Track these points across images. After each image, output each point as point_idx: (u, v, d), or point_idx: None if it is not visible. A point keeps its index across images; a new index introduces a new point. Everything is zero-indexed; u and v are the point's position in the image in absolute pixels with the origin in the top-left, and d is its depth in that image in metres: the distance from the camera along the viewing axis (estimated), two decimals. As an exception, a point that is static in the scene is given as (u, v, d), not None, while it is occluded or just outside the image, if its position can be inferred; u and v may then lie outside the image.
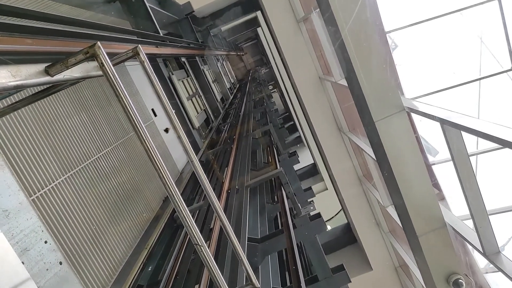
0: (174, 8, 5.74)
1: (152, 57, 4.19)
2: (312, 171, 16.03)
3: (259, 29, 20.01)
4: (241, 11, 10.89)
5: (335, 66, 7.92)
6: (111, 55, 1.14)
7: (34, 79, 1.05)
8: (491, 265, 4.65)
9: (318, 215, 3.76)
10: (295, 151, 6.96)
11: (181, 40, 5.06)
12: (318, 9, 7.20)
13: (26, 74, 1.03)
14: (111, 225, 3.82)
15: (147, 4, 3.28)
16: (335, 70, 7.94)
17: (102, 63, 1.10)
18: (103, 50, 1.09)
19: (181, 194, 1.27)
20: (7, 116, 2.90)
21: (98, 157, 4.07)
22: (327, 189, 14.90)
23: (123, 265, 3.74)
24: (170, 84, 8.32)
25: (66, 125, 3.66)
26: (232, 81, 23.51)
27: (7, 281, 0.84)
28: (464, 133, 3.55)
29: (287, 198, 4.52)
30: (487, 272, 5.88)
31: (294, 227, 3.68)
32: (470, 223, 7.08)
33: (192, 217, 1.28)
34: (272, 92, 21.56)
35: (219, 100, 13.14)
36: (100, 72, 1.14)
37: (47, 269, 2.57)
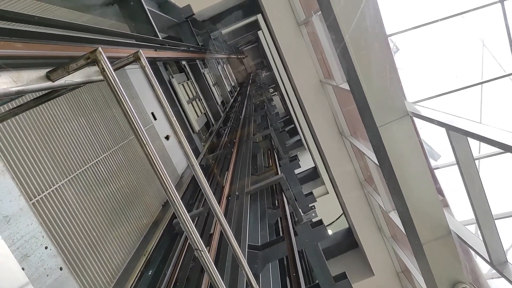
0: (174, 11, 5.70)
1: (151, 61, 4.14)
2: (312, 175, 15.97)
3: (259, 32, 20.01)
4: (241, 14, 10.85)
5: (337, 70, 7.87)
6: (111, 59, 1.14)
7: (35, 84, 1.06)
8: (494, 271, 4.57)
9: (320, 222, 3.69)
10: (296, 155, 6.89)
11: (181, 44, 5.01)
12: (319, 12, 7.16)
13: (28, 80, 1.04)
14: (110, 230, 3.80)
15: (146, 7, 3.24)
16: (337, 74, 7.89)
17: (103, 68, 1.10)
18: (104, 55, 1.09)
19: (181, 199, 1.27)
20: (6, 120, 2.89)
21: (97, 161, 4.05)
22: (328, 193, 14.83)
23: (122, 270, 3.70)
24: (170, 88, 8.27)
25: (64, 129, 3.65)
26: (233, 84, 23.50)
27: (8, 287, 0.85)
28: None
29: (288, 203, 4.45)
30: (491, 278, 5.79)
31: (295, 234, 3.61)
32: (472, 228, 6.99)
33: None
34: (273, 95, 21.54)
35: (219, 103, 13.09)
36: (101, 77, 1.14)
37: (48, 275, 2.58)
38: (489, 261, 3.76)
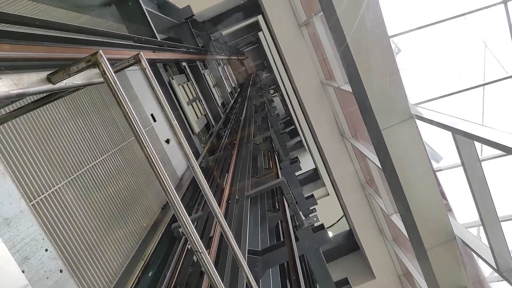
0: (173, 12, 5.64)
1: (150, 62, 4.09)
2: (313, 176, 15.90)
3: (260, 33, 19.98)
4: (242, 15, 10.80)
5: (338, 71, 7.81)
6: (111, 60, 1.17)
7: (36, 87, 1.07)
8: (496, 274, 4.50)
9: (322, 227, 3.63)
10: (297, 157, 6.83)
11: (181, 45, 4.96)
12: (321, 13, 7.10)
13: (28, 82, 1.05)
14: (110, 232, 3.79)
15: (144, 8, 3.18)
16: (338, 75, 7.82)
17: (104, 71, 1.10)
18: (105, 58, 1.09)
19: (181, 201, 1.26)
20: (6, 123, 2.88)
21: (96, 163, 4.05)
22: (328, 194, 14.76)
23: (121, 273, 3.71)
24: (170, 89, 8.22)
25: (63, 131, 3.65)
26: (233, 85, 23.45)
27: (8, 290, 0.85)
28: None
29: (289, 207, 4.38)
30: (493, 281, 5.72)
31: (297, 239, 3.54)
32: (474, 230, 6.90)
33: (191, 227, 1.25)
34: (273, 96, 21.49)
35: (219, 104, 13.04)
36: (102, 79, 1.15)
37: (48, 277, 2.60)
38: (496, 268, 3.68)
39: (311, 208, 6.12)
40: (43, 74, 1.10)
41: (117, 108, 1.12)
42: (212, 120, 11.26)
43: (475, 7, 6.58)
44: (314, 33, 8.58)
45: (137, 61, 1.26)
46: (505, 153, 3.81)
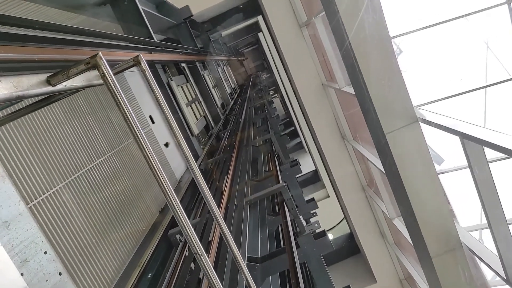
0: (171, 12, 5.54)
1: (148, 64, 4.00)
2: (313, 178, 15.79)
3: (260, 34, 19.90)
4: (242, 15, 10.70)
5: (339, 73, 7.70)
6: (110, 62, 1.14)
7: (35, 89, 1.07)
8: (498, 278, 4.40)
9: (323, 233, 3.52)
10: (297, 160, 6.73)
11: (179, 46, 4.86)
12: (321, 14, 7.00)
13: (28, 85, 1.05)
14: (108, 234, 3.78)
15: (140, 8, 3.09)
16: (339, 77, 7.71)
17: (103, 73, 1.10)
18: (104, 60, 1.09)
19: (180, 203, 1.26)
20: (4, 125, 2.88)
21: (94, 165, 4.10)
22: (328, 196, 14.65)
23: (120, 274, 3.74)
24: (168, 90, 8.13)
25: (60, 133, 3.65)
26: (233, 86, 23.37)
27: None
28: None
29: (289, 212, 4.28)
30: (496, 286, 5.63)
31: (297, 246, 3.43)
32: (476, 234, 6.78)
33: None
34: (273, 98, 21.40)
35: (219, 106, 12.94)
36: (101, 81, 1.15)
37: (47, 280, 2.56)
38: (505, 278, 3.57)
39: (311, 212, 6.01)
40: (43, 76, 1.10)
41: (114, 110, 1.07)
42: (211, 121, 11.16)
43: (477, 8, 6.48)
44: (315, 34, 8.48)
45: (136, 63, 1.27)
46: (507, 156, 3.70)
